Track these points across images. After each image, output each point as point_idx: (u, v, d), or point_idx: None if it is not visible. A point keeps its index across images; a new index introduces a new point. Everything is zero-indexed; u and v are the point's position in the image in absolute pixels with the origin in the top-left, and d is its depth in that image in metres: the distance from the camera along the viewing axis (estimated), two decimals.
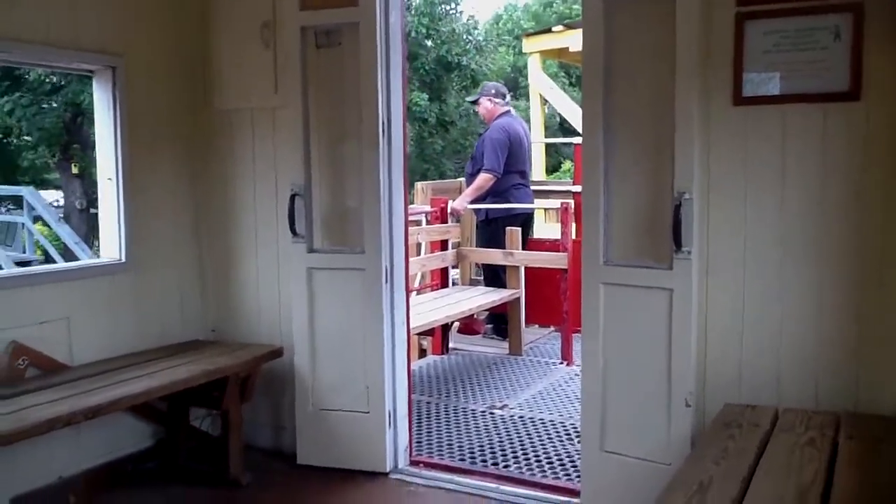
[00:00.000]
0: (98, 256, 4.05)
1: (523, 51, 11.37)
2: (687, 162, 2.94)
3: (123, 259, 3.78)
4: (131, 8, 3.79)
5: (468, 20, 21.16)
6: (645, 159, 3.13)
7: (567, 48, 9.99)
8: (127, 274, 3.80)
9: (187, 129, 4.09)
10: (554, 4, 26.41)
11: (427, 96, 18.98)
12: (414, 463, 3.88)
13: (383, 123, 3.63)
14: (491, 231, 6.23)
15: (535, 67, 10.80)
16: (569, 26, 10.27)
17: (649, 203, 3.13)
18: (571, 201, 6.25)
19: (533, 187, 6.66)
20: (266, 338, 4.04)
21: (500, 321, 6.39)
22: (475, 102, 6.59)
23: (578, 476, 3.49)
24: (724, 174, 3.01)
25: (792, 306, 2.95)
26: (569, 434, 4.30)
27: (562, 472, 3.77)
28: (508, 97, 6.49)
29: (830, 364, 2.90)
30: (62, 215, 14.03)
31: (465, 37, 19.92)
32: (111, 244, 3.79)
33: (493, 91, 6.44)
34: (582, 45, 3.16)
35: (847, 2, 2.75)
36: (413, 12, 18.43)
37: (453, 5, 20.58)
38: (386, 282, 3.69)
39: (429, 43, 19.26)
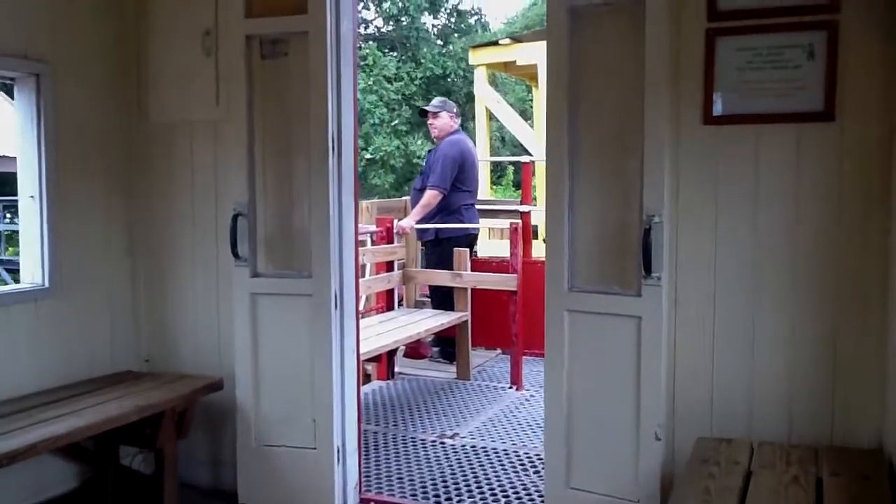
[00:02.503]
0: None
1: (470, 63, 11.15)
2: (657, 182, 2.80)
3: (47, 284, 3.46)
4: (59, 10, 3.48)
5: None
6: (611, 181, 2.98)
7: (514, 61, 9.84)
8: (51, 300, 3.48)
9: (121, 142, 3.79)
10: None
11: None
12: (364, 501, 3.64)
13: (333, 138, 3.41)
14: (440, 251, 6.03)
15: (481, 80, 10.60)
16: (516, 39, 10.14)
17: (615, 227, 2.98)
18: (520, 221, 6.14)
19: (478, 206, 6.49)
20: (205, 368, 3.75)
21: (446, 344, 6.20)
22: (434, 115, 6.19)
23: None
24: (693, 198, 2.88)
25: (763, 336, 2.82)
26: (523, 464, 4.13)
27: None
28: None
29: (804, 396, 2.78)
30: None
31: None
32: (33, 268, 3.47)
33: (454, 109, 6.29)
34: (546, 59, 3.01)
35: (821, 20, 2.65)
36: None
37: None
38: (336, 308, 3.46)
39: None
